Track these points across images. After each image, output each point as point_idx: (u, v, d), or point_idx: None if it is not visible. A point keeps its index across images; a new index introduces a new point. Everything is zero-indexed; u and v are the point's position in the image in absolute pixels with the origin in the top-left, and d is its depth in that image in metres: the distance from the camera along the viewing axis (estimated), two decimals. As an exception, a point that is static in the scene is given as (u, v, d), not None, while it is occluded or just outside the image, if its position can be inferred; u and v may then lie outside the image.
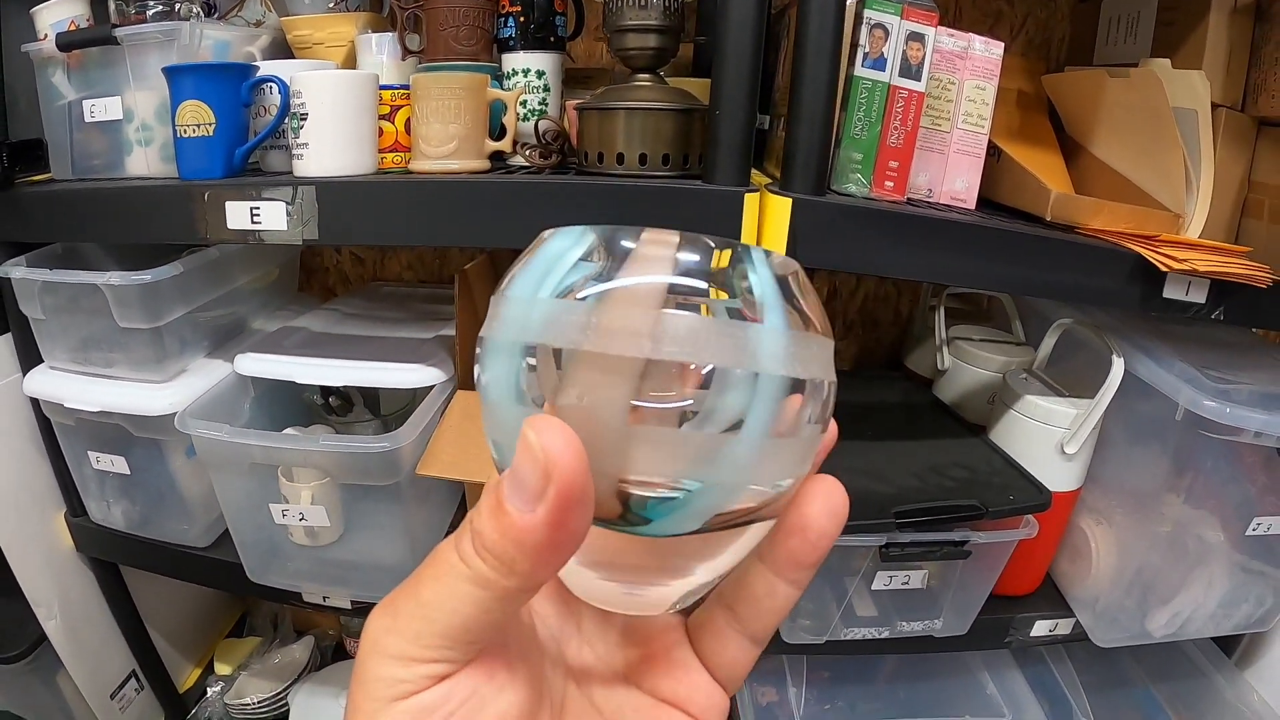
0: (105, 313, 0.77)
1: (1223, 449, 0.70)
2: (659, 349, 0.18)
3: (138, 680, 1.05)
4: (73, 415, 0.82)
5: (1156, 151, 0.70)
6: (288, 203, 0.68)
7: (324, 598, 0.85)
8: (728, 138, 0.62)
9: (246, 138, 0.74)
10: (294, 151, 0.71)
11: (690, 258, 0.20)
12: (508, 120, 0.74)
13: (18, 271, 0.77)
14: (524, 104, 0.78)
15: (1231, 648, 0.93)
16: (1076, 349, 0.81)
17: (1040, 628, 0.82)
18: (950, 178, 0.71)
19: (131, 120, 0.75)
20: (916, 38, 0.64)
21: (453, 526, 0.89)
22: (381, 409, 0.97)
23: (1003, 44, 0.68)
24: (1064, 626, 0.83)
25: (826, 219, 0.62)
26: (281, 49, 0.85)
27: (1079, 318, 0.80)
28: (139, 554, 0.91)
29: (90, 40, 0.73)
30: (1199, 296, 0.65)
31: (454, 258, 1.16)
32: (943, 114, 0.69)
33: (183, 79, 0.70)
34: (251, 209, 0.68)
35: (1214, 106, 0.70)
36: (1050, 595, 0.85)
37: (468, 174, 0.71)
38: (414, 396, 0.88)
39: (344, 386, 0.93)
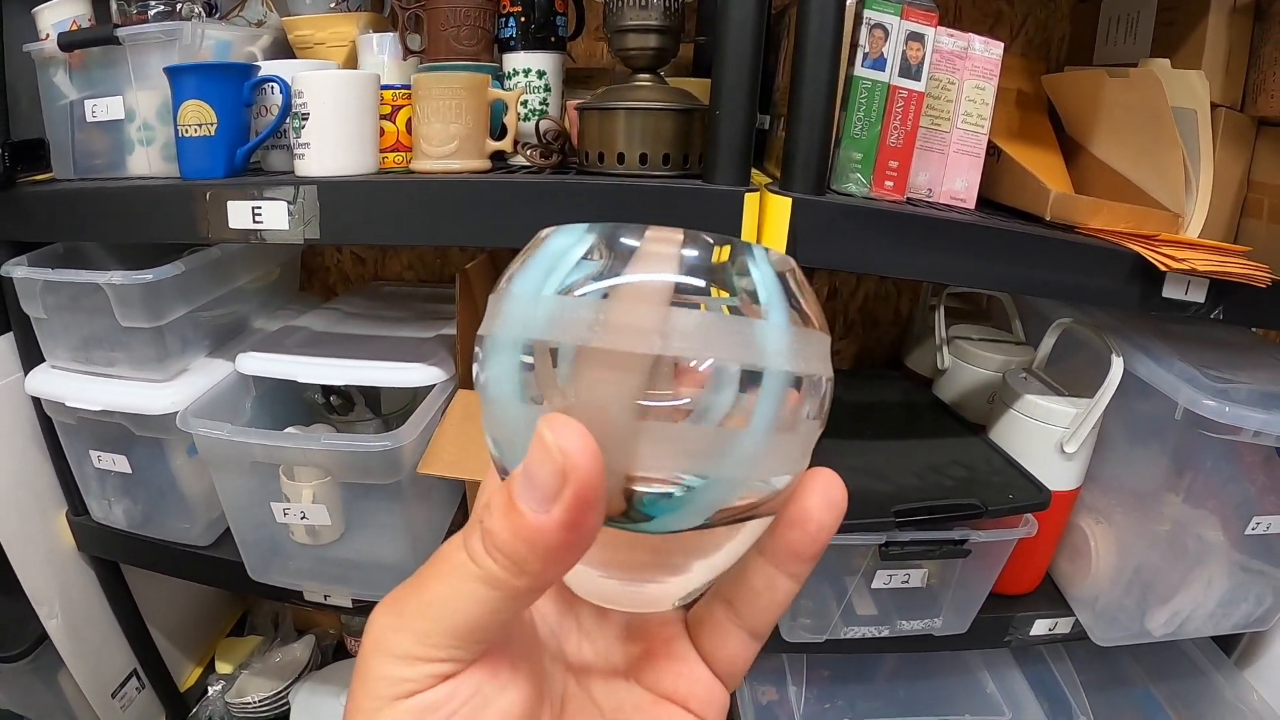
0: (107, 312, 0.77)
1: (1222, 448, 0.71)
2: (669, 345, 0.19)
3: (139, 679, 1.05)
4: (74, 414, 0.82)
5: (1156, 151, 0.70)
6: (289, 202, 0.68)
7: (325, 596, 0.85)
8: (728, 137, 0.62)
9: (248, 137, 0.74)
10: (296, 151, 0.71)
11: (694, 255, 0.20)
12: (509, 120, 0.74)
13: (19, 271, 0.77)
14: (525, 104, 0.78)
15: (1231, 647, 0.93)
16: (1076, 348, 0.81)
17: (1040, 627, 0.83)
18: (950, 177, 0.71)
19: (133, 120, 0.75)
20: (916, 38, 0.64)
21: (454, 525, 0.89)
22: (382, 408, 0.97)
23: (1002, 44, 0.68)
24: (1063, 625, 0.83)
25: (826, 219, 0.62)
26: (283, 49, 0.85)
27: (1078, 317, 0.80)
28: (140, 553, 0.91)
29: (92, 40, 0.74)
30: (1198, 296, 0.66)
31: (454, 257, 1.16)
32: (942, 114, 0.69)
33: (185, 79, 0.70)
34: (253, 208, 0.68)
35: (1213, 106, 0.70)
36: (1050, 594, 0.85)
37: (469, 174, 0.71)
38: (415, 396, 0.88)
39: (345, 386, 0.93)
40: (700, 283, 0.20)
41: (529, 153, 0.75)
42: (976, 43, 0.68)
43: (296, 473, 0.77)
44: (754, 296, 0.20)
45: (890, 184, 0.67)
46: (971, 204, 0.71)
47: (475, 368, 0.22)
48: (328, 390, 0.92)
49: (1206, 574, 0.78)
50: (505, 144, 0.74)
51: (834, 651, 0.79)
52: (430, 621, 0.20)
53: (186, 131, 0.71)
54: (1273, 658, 0.89)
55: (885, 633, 0.79)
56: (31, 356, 0.84)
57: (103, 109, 0.76)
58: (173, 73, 0.70)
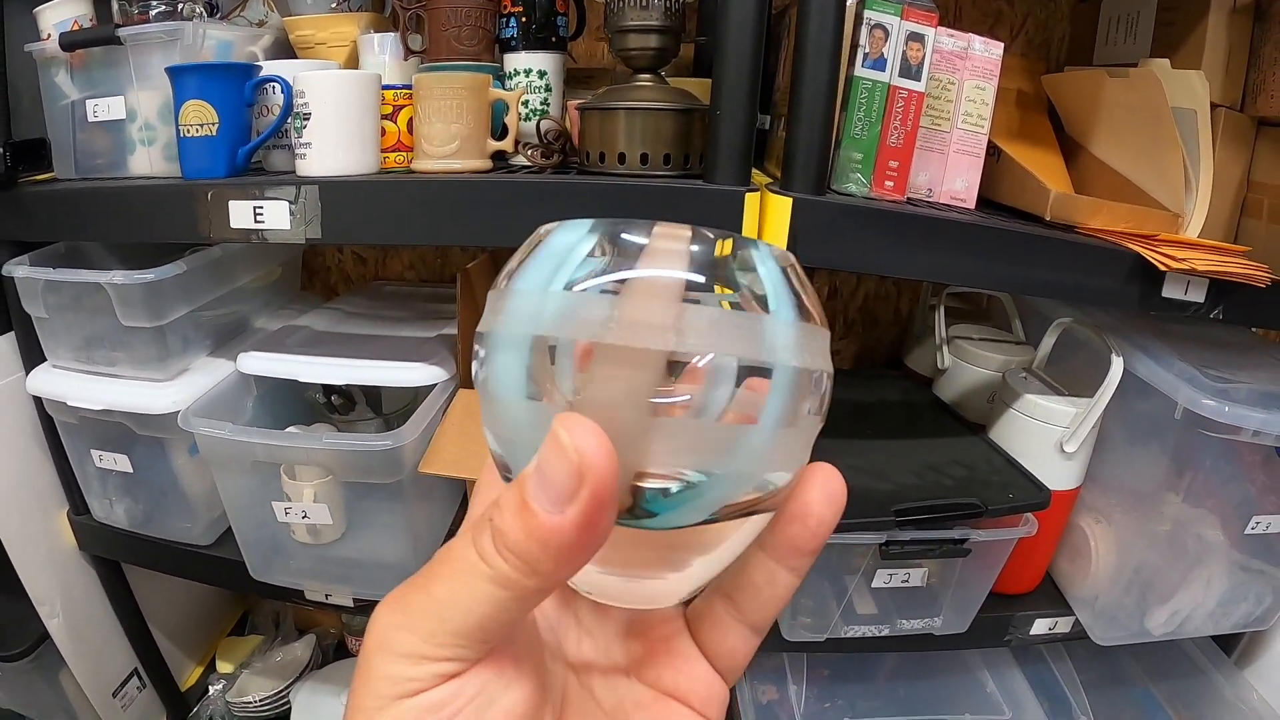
0: (108, 311, 0.77)
1: (1222, 448, 0.71)
2: (684, 341, 0.19)
3: (140, 678, 1.05)
4: (75, 414, 0.82)
5: (1156, 151, 0.71)
6: (291, 202, 0.68)
7: (326, 596, 0.85)
8: (728, 138, 0.62)
9: (249, 137, 0.74)
10: (297, 151, 0.71)
11: (703, 251, 0.20)
12: (509, 120, 0.75)
13: (21, 270, 0.77)
14: (526, 104, 0.78)
15: (1231, 646, 0.93)
16: (1076, 348, 0.81)
17: (1040, 626, 0.83)
18: (950, 177, 0.71)
19: (134, 120, 0.76)
20: (916, 38, 0.64)
21: (455, 524, 0.89)
22: (383, 408, 0.97)
23: (1002, 44, 0.69)
24: (1063, 625, 0.83)
25: (827, 219, 0.63)
26: (284, 49, 0.85)
27: (1078, 317, 0.80)
28: (141, 552, 0.91)
29: (93, 40, 0.74)
30: (1198, 296, 0.66)
31: (455, 257, 1.17)
32: (943, 114, 0.69)
33: (186, 79, 0.70)
34: (255, 208, 0.68)
35: (1213, 106, 0.70)
36: (1050, 593, 0.86)
37: (470, 174, 0.71)
38: (416, 395, 0.88)
39: (346, 385, 0.93)
40: (710, 279, 0.20)
41: (530, 153, 0.75)
42: (976, 43, 0.68)
43: (298, 472, 0.78)
44: (760, 292, 0.20)
45: (890, 184, 0.67)
46: (971, 204, 0.71)
47: (475, 366, 0.22)
48: (329, 390, 0.93)
49: (1206, 573, 0.78)
50: (506, 144, 0.74)
51: (834, 650, 0.79)
52: (437, 621, 0.20)
53: (188, 131, 0.71)
54: (1272, 657, 0.89)
55: (885, 632, 0.79)
56: (33, 356, 0.84)
57: (104, 109, 0.76)
58: (174, 73, 0.70)
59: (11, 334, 0.84)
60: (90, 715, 0.98)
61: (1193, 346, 0.76)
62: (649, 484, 0.19)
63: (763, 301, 0.20)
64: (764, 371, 0.20)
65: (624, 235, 0.21)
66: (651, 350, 0.19)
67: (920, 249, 0.64)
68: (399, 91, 0.74)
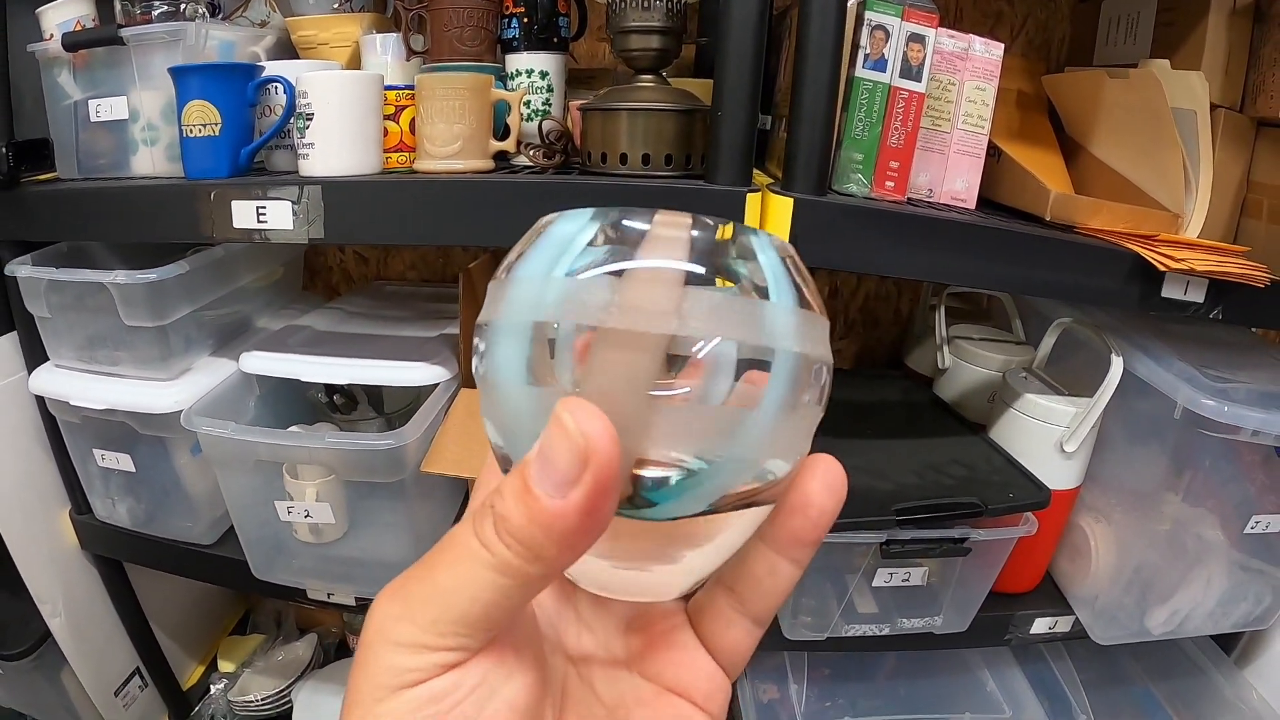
0: (111, 311, 0.77)
1: (1221, 447, 0.71)
2: (685, 325, 0.19)
3: (141, 677, 1.06)
4: (78, 413, 0.82)
5: (1155, 152, 0.71)
6: (294, 202, 0.68)
7: (328, 595, 0.85)
8: (730, 138, 0.62)
9: (252, 137, 0.74)
10: (300, 151, 0.71)
11: (704, 239, 0.20)
12: (511, 120, 0.75)
13: (24, 270, 0.78)
14: (527, 104, 0.79)
15: (1231, 646, 0.93)
16: (1076, 348, 0.81)
17: (1040, 625, 0.83)
18: (950, 178, 0.71)
19: (137, 120, 0.76)
20: (917, 39, 0.64)
21: (456, 523, 0.89)
22: (385, 407, 0.98)
23: (1003, 45, 0.69)
24: (1063, 624, 0.83)
25: (828, 219, 0.63)
26: (286, 49, 0.86)
27: (1078, 317, 0.80)
28: (143, 551, 0.92)
29: (96, 40, 0.74)
30: (1197, 296, 0.66)
31: (457, 257, 1.17)
32: (943, 114, 0.69)
33: (189, 79, 0.71)
34: (258, 208, 0.69)
35: (1213, 107, 0.70)
36: (1050, 593, 0.86)
37: (472, 174, 0.71)
38: (418, 395, 0.89)
39: (348, 385, 0.93)
40: (712, 266, 0.20)
41: (532, 153, 0.76)
42: (977, 44, 0.68)
43: (300, 471, 0.78)
44: (761, 281, 0.21)
45: (891, 184, 0.67)
46: (972, 204, 0.71)
47: (475, 359, 0.22)
48: (331, 389, 0.93)
49: (1206, 573, 0.78)
50: (508, 144, 0.75)
51: (835, 649, 0.80)
52: (438, 609, 0.19)
53: (191, 131, 0.71)
54: (1272, 656, 0.89)
55: (886, 631, 0.79)
56: (35, 355, 0.84)
57: (107, 109, 0.76)
58: (177, 73, 0.70)
59: (14, 333, 0.84)
60: (92, 714, 0.98)
61: (1192, 346, 0.76)
62: (649, 472, 0.19)
63: (763, 290, 0.20)
64: (763, 361, 0.20)
65: (625, 223, 0.21)
66: (653, 334, 0.19)
67: (921, 249, 0.64)
68: (401, 92, 0.74)
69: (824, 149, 0.62)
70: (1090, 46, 0.96)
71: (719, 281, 0.20)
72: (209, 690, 1.15)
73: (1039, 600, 0.85)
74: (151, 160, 0.77)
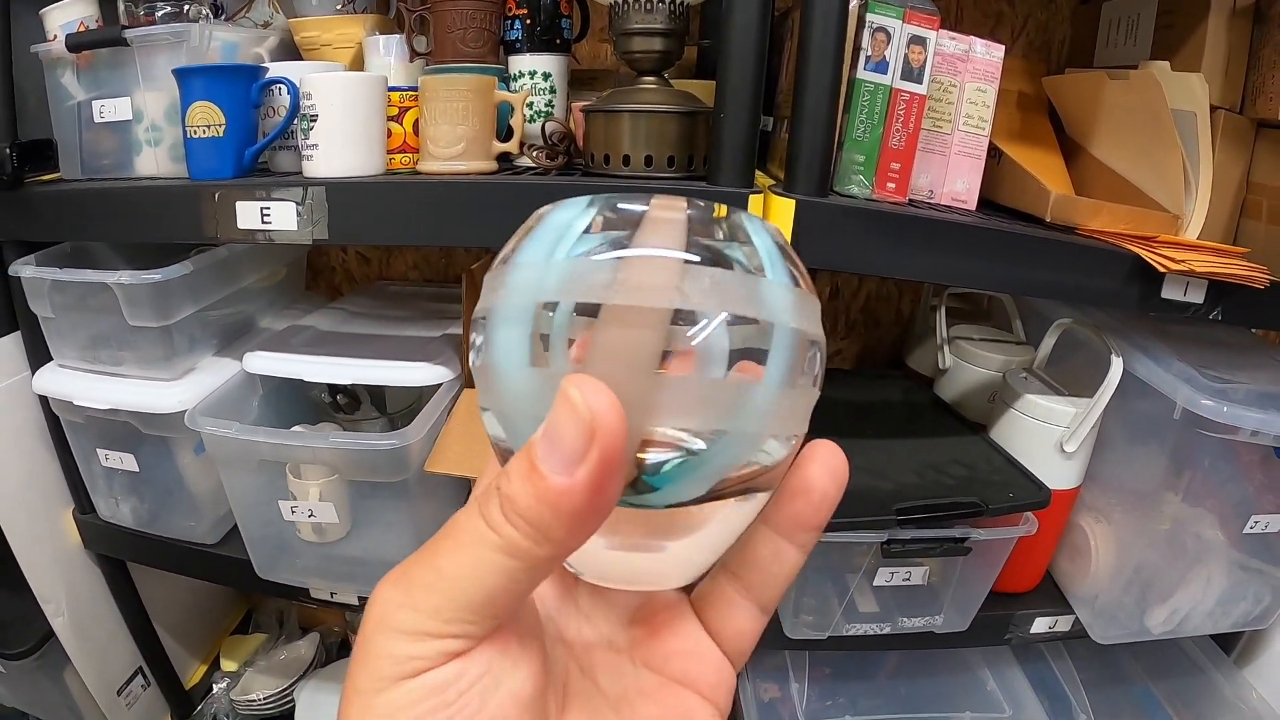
0: (115, 311, 0.77)
1: (1220, 448, 0.71)
2: (688, 300, 0.19)
3: (144, 676, 1.06)
4: (82, 413, 0.83)
5: (1155, 153, 0.71)
6: (298, 203, 0.68)
7: (331, 594, 0.86)
8: (732, 140, 0.62)
9: (256, 138, 0.75)
10: (304, 152, 0.72)
11: (701, 222, 0.21)
12: (515, 122, 0.75)
13: (28, 270, 0.78)
14: (530, 106, 0.79)
15: (1230, 645, 0.94)
16: (1076, 348, 0.81)
17: (1040, 624, 0.83)
18: (951, 179, 0.71)
19: (141, 121, 0.76)
20: (918, 41, 0.64)
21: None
22: (388, 407, 0.98)
23: (1003, 47, 0.69)
24: (1063, 623, 0.83)
25: (829, 220, 0.63)
26: (289, 50, 0.86)
27: (1078, 317, 0.81)
28: (147, 551, 0.92)
29: (100, 41, 0.74)
30: (1197, 297, 0.66)
31: (459, 257, 1.17)
32: (944, 116, 0.70)
33: (193, 80, 0.71)
34: (262, 209, 0.69)
35: (1213, 109, 0.71)
36: (1050, 592, 0.86)
37: (476, 175, 0.72)
38: (420, 395, 0.89)
39: (351, 384, 0.94)
40: (710, 244, 0.20)
41: (535, 154, 0.76)
42: (978, 45, 0.68)
43: (304, 471, 0.78)
44: (757, 260, 0.21)
45: (892, 186, 0.67)
46: (973, 205, 0.72)
47: (473, 354, 0.22)
48: (334, 389, 0.93)
49: (1205, 572, 0.78)
50: (511, 145, 0.75)
51: (836, 649, 0.80)
52: (443, 594, 0.19)
53: (195, 132, 0.71)
54: (1271, 656, 0.89)
55: (887, 630, 0.79)
56: (39, 355, 0.84)
57: (110, 110, 0.76)
58: (181, 74, 0.71)
59: (18, 333, 0.84)
60: (95, 713, 0.98)
61: (1192, 347, 0.76)
62: (651, 455, 0.19)
63: (759, 269, 0.21)
64: (760, 352, 0.20)
65: (622, 206, 0.21)
66: (657, 310, 0.19)
67: (922, 250, 0.64)
68: (404, 93, 0.74)
69: (825, 150, 0.63)
70: (1090, 48, 0.96)
71: (718, 256, 0.21)
72: (211, 689, 1.15)
73: (1039, 600, 0.85)
74: (155, 161, 0.77)
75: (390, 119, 0.74)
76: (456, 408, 0.79)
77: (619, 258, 0.20)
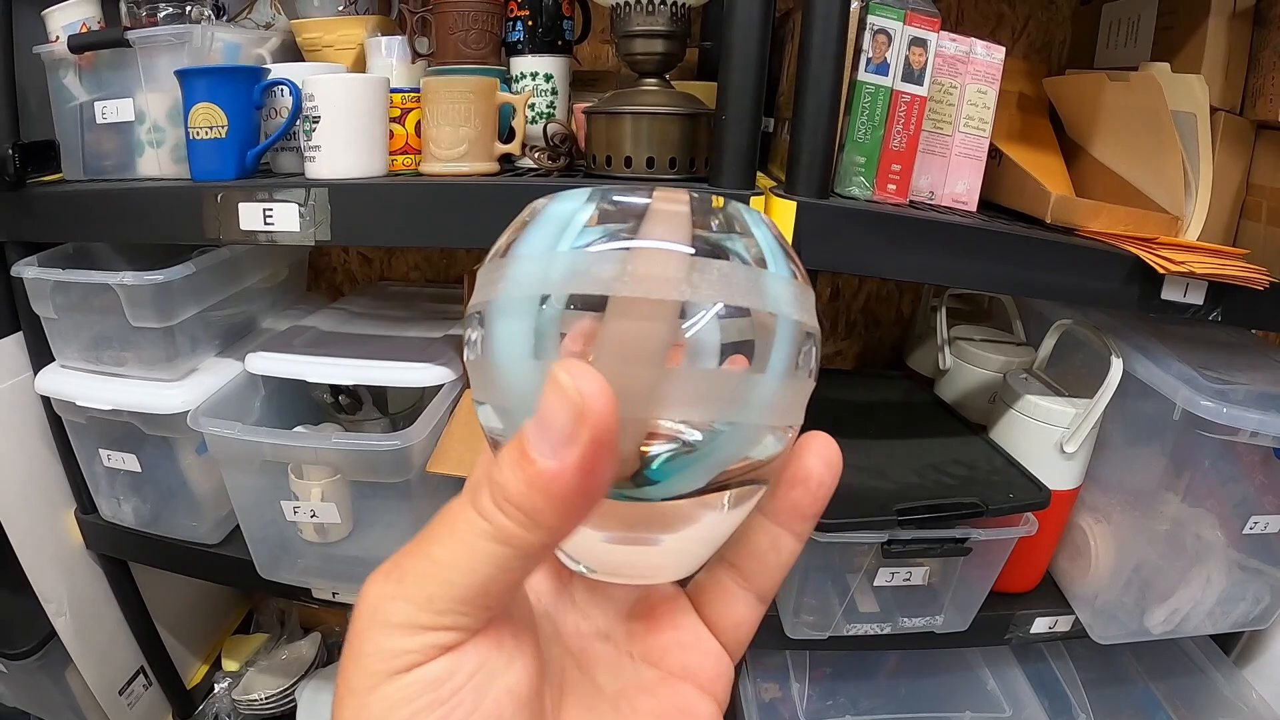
0: (117, 312, 0.77)
1: (1220, 448, 0.71)
2: (697, 292, 0.19)
3: (146, 676, 1.06)
4: (84, 413, 0.83)
5: (1155, 154, 0.71)
6: (300, 204, 0.69)
7: (333, 594, 0.86)
8: (733, 141, 0.63)
9: (258, 140, 0.75)
10: (306, 154, 0.72)
11: (703, 215, 0.21)
12: (516, 123, 0.75)
13: (30, 271, 0.78)
14: (532, 107, 0.79)
15: (1230, 645, 0.94)
16: (1076, 349, 0.82)
17: (1040, 624, 0.83)
18: (952, 180, 0.72)
19: (143, 122, 0.76)
20: (919, 43, 0.65)
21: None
22: (389, 407, 0.98)
23: (1004, 48, 0.69)
24: (1063, 623, 0.84)
25: (830, 221, 0.63)
26: (291, 51, 0.86)
27: (1079, 318, 0.81)
28: (149, 551, 0.92)
29: (102, 43, 0.74)
30: (1197, 298, 0.66)
31: (460, 258, 1.17)
32: (945, 118, 0.70)
33: (196, 82, 0.71)
34: (264, 210, 0.69)
35: (1213, 110, 0.71)
36: (1050, 592, 0.86)
37: (478, 176, 0.72)
38: (422, 395, 0.89)
39: (353, 385, 0.94)
40: (709, 236, 0.21)
41: (536, 155, 0.76)
42: (978, 47, 0.69)
43: (306, 471, 0.78)
44: (758, 252, 0.21)
45: (893, 187, 0.67)
46: (973, 207, 0.72)
47: (467, 348, 0.22)
48: (336, 390, 0.93)
49: (1205, 572, 0.79)
50: (513, 147, 0.75)
51: (836, 648, 0.80)
52: (436, 585, 0.18)
53: (197, 134, 0.71)
54: (1271, 656, 0.90)
55: (887, 630, 0.80)
56: (41, 356, 0.84)
57: (113, 111, 0.76)
58: (184, 76, 0.71)
59: (20, 334, 0.84)
60: (97, 713, 0.99)
61: (1192, 348, 0.76)
62: (653, 447, 0.20)
63: (760, 262, 0.21)
64: (751, 345, 0.20)
65: (624, 199, 0.21)
66: (667, 302, 0.19)
67: (922, 251, 0.65)
68: (406, 95, 0.75)
69: (826, 152, 0.63)
70: (1091, 49, 0.96)
71: (720, 249, 0.21)
72: (213, 689, 1.15)
73: (1039, 600, 0.85)
74: (158, 162, 0.77)
75: (392, 120, 0.75)
76: (458, 408, 0.79)
77: (626, 249, 0.20)
